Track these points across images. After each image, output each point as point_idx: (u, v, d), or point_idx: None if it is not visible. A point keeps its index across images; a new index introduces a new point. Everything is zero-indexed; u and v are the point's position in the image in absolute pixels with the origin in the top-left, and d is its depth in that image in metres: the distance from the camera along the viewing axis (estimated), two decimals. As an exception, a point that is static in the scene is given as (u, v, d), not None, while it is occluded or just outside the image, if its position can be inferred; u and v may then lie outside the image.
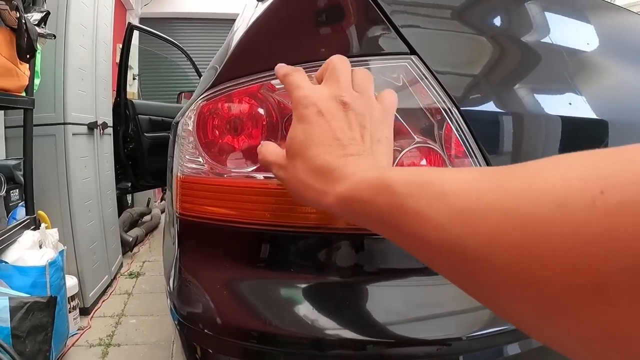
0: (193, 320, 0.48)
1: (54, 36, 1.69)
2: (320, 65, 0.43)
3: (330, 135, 0.37)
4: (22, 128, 1.70)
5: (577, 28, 0.73)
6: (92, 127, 2.22)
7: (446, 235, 0.24)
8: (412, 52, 0.49)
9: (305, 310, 0.46)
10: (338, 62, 0.41)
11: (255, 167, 0.49)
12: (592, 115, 0.58)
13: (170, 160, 0.67)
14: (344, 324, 0.44)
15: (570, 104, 0.58)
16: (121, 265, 2.76)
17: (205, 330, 0.46)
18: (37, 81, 1.78)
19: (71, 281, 1.91)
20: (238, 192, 0.49)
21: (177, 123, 0.61)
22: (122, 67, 2.78)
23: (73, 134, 2.02)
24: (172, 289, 0.53)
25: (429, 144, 0.47)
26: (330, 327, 0.44)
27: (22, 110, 1.67)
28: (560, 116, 0.56)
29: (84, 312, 2.08)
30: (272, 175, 0.43)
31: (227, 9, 5.50)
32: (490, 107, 0.52)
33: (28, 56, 1.52)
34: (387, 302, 0.47)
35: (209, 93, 0.52)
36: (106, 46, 2.51)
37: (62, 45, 1.95)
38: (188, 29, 5.88)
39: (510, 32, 0.62)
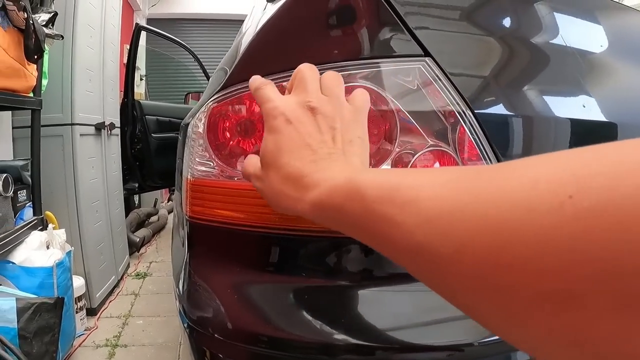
0: (203, 325, 0.48)
1: (62, 37, 1.69)
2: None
3: (300, 142, 0.37)
4: (29, 129, 1.71)
5: (588, 29, 0.72)
6: (99, 127, 2.23)
7: (416, 241, 0.23)
8: (426, 54, 0.48)
9: (315, 315, 0.46)
10: (305, 70, 0.41)
11: None
12: (605, 118, 0.58)
13: (180, 162, 0.67)
14: (353, 329, 0.44)
15: (584, 106, 0.57)
16: (128, 266, 2.77)
17: (216, 335, 0.46)
18: (44, 82, 1.79)
19: (78, 282, 1.92)
20: (249, 195, 0.49)
21: (187, 125, 0.61)
22: (130, 68, 2.79)
23: (80, 135, 2.03)
24: (181, 292, 0.53)
25: (442, 147, 0.47)
26: (339, 332, 0.44)
27: (30, 110, 1.68)
28: (574, 119, 0.55)
29: (91, 312, 2.09)
30: None
31: (234, 9, 5.51)
32: (503, 109, 0.52)
33: (36, 57, 1.52)
34: (397, 306, 0.47)
35: (219, 95, 0.52)
36: (114, 47, 2.52)
37: (70, 46, 1.96)
38: (195, 30, 5.90)
39: (522, 33, 0.61)
